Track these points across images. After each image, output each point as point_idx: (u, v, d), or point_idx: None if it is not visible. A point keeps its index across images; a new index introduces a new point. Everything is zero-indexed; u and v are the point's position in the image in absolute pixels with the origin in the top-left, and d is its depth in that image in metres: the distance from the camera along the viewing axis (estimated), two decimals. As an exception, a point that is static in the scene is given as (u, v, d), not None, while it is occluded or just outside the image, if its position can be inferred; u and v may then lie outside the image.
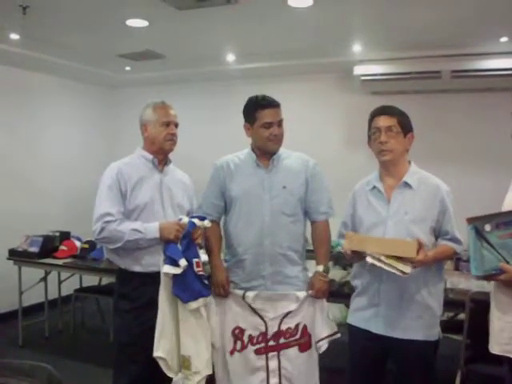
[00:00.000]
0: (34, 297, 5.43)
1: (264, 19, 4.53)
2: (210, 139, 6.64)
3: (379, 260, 2.38)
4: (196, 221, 2.83)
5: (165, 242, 2.80)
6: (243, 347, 2.92)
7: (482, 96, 5.61)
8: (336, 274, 4.07)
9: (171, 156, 3.12)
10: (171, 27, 4.78)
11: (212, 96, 6.85)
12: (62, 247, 5.17)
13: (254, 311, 2.89)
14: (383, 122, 2.59)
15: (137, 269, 2.90)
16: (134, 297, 2.90)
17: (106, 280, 5.48)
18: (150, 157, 3.01)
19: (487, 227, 2.14)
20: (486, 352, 2.26)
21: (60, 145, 6.76)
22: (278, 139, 2.92)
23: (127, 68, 6.56)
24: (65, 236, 5.33)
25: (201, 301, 2.77)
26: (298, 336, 2.91)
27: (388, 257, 2.37)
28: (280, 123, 2.91)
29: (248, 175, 2.96)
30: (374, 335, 2.60)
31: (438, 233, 2.60)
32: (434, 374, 2.62)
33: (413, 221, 2.53)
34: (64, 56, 5.83)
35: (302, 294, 2.88)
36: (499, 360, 2.24)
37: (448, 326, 3.65)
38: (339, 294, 3.67)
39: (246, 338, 2.91)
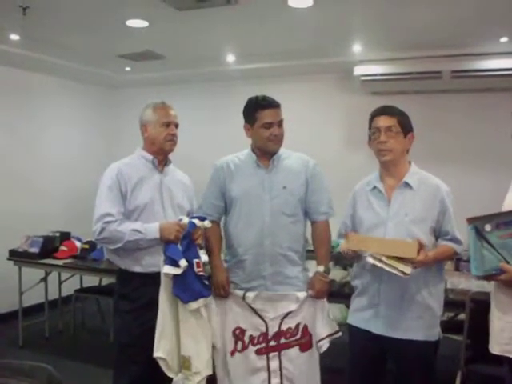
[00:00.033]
0: (34, 297, 5.42)
1: (264, 20, 4.53)
2: (210, 140, 6.64)
3: (380, 260, 2.39)
4: (196, 221, 2.82)
5: (165, 242, 2.80)
6: (244, 347, 2.92)
7: (482, 96, 5.61)
8: (336, 274, 4.07)
9: (171, 156, 3.12)
10: (171, 28, 4.78)
11: (212, 96, 6.85)
12: (63, 248, 5.17)
13: (255, 311, 2.89)
14: (383, 121, 2.59)
15: (137, 269, 2.90)
16: (135, 297, 2.90)
17: (107, 280, 5.47)
18: (150, 157, 3.01)
19: (487, 227, 2.14)
20: (487, 352, 2.26)
21: (60, 145, 6.76)
22: (278, 139, 2.92)
23: (127, 68, 6.56)
24: (65, 236, 5.32)
25: (201, 301, 2.77)
26: (298, 336, 2.91)
27: (389, 257, 2.37)
28: (280, 123, 2.91)
29: (248, 175, 2.96)
30: (373, 335, 2.60)
31: (438, 233, 2.60)
32: (434, 374, 2.62)
33: (413, 221, 2.53)
34: (64, 56, 5.84)
35: (302, 295, 2.88)
36: (499, 360, 2.24)
37: (448, 327, 3.65)
38: (339, 294, 3.67)
39: (246, 339, 2.91)
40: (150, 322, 2.75)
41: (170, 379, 2.79)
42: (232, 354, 2.93)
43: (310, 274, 3.00)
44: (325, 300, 2.96)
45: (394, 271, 2.36)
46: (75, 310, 5.76)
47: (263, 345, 2.90)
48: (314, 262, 3.02)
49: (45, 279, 5.38)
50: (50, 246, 5.16)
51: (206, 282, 2.84)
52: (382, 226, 2.58)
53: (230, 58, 5.93)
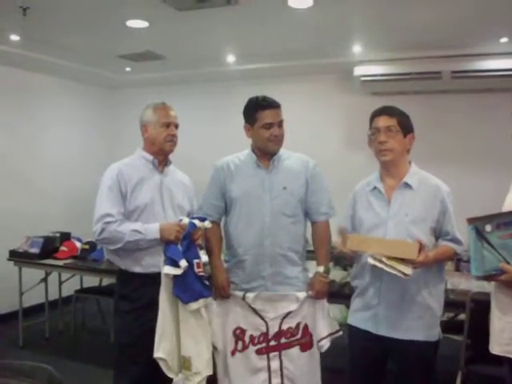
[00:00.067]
0: (34, 298, 5.42)
1: (264, 20, 4.53)
2: (210, 140, 6.64)
3: (380, 261, 2.38)
4: (196, 222, 2.82)
5: (165, 242, 2.80)
6: (244, 347, 2.92)
7: (482, 96, 5.61)
8: (336, 274, 4.07)
9: (171, 157, 3.12)
10: (171, 28, 4.79)
11: (212, 97, 6.86)
12: (63, 248, 5.17)
13: (255, 312, 2.89)
14: (383, 122, 2.59)
15: (137, 270, 2.90)
16: (135, 298, 2.90)
17: (107, 281, 5.47)
18: (151, 158, 3.01)
19: (488, 227, 2.14)
20: (487, 352, 2.26)
21: (60, 145, 6.76)
22: (279, 140, 2.92)
23: (127, 69, 6.57)
24: (65, 237, 5.33)
25: (201, 301, 2.77)
26: (299, 336, 2.91)
27: (389, 258, 2.37)
28: (280, 124, 2.91)
29: (248, 176, 2.96)
30: (374, 336, 2.60)
31: (438, 233, 2.60)
32: (435, 374, 2.62)
33: (413, 221, 2.53)
34: (64, 57, 5.84)
35: (302, 295, 2.89)
36: (499, 360, 2.24)
37: (448, 327, 3.65)
38: (339, 294, 3.67)
39: (247, 339, 2.91)
40: (151, 322, 2.75)
41: (171, 379, 2.79)
42: (232, 353, 2.93)
43: (310, 275, 3.00)
44: (325, 299, 2.96)
45: (395, 272, 2.35)
46: (75, 311, 5.76)
47: (264, 345, 2.90)
48: (314, 263, 3.03)
49: (45, 279, 5.38)
50: (50, 247, 5.16)
51: (207, 283, 2.83)
52: (383, 226, 2.58)
53: (230, 58, 5.93)
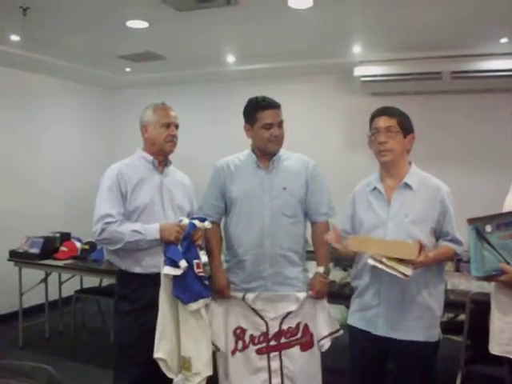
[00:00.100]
0: (34, 298, 5.42)
1: (264, 20, 4.53)
2: (210, 140, 6.64)
3: (380, 262, 2.38)
4: (196, 222, 2.82)
5: (165, 243, 2.80)
6: (245, 347, 2.92)
7: (482, 97, 5.61)
8: (336, 275, 4.07)
9: (171, 157, 3.12)
10: (171, 28, 4.79)
11: (212, 97, 6.86)
12: (63, 248, 5.17)
13: (255, 312, 2.89)
14: (383, 122, 2.59)
15: (137, 270, 2.90)
16: (135, 298, 2.90)
17: (107, 281, 5.46)
18: (151, 158, 3.01)
19: (488, 228, 2.14)
20: (487, 353, 2.26)
21: (60, 146, 6.76)
22: (279, 140, 2.93)
23: (127, 69, 6.57)
24: (65, 237, 5.32)
25: (201, 302, 2.77)
26: (299, 335, 2.91)
27: (389, 259, 2.37)
28: (280, 124, 2.92)
29: (248, 176, 2.96)
30: (374, 336, 2.60)
31: (438, 234, 2.60)
32: (434, 374, 2.62)
33: (413, 222, 2.53)
34: (64, 57, 5.84)
35: (301, 295, 2.89)
36: (499, 361, 2.24)
37: (448, 327, 3.65)
38: (339, 295, 3.67)
39: (247, 338, 2.92)
40: (150, 322, 2.75)
41: (171, 380, 2.79)
42: (233, 353, 2.93)
43: (310, 275, 3.00)
44: (325, 299, 2.96)
45: (395, 273, 2.35)
46: (75, 311, 5.76)
47: (264, 344, 2.91)
48: (314, 263, 3.03)
49: (45, 280, 5.38)
50: (50, 247, 5.16)
51: (206, 283, 2.84)
52: (382, 226, 2.58)
53: (230, 58, 5.93)
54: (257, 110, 2.89)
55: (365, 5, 4.14)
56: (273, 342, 2.90)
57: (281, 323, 2.89)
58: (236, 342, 2.93)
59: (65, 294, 5.74)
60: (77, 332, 5.71)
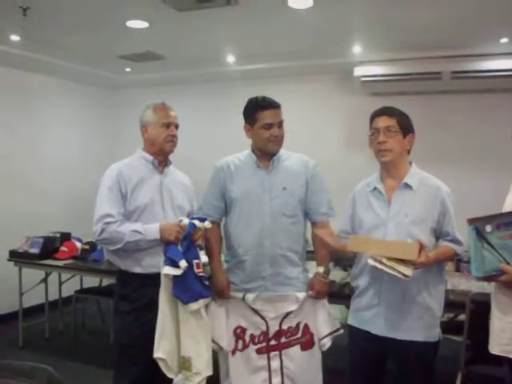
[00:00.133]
0: (34, 298, 5.42)
1: (264, 20, 4.53)
2: (210, 140, 6.64)
3: (380, 262, 2.38)
4: (196, 222, 2.82)
5: (165, 243, 2.80)
6: (245, 346, 2.93)
7: (482, 97, 5.61)
8: (336, 274, 4.07)
9: (171, 157, 3.12)
10: (171, 28, 4.78)
11: (212, 97, 6.86)
12: (63, 248, 5.17)
13: (255, 311, 2.89)
14: (382, 122, 2.59)
15: (137, 270, 2.90)
16: (135, 298, 2.90)
17: (107, 281, 5.46)
18: (151, 158, 3.01)
19: (488, 228, 2.14)
20: (487, 353, 2.26)
21: (60, 146, 6.76)
22: (279, 140, 2.93)
23: (127, 69, 6.57)
24: (65, 237, 5.32)
25: (201, 302, 2.77)
26: (299, 335, 2.91)
27: (389, 259, 2.37)
28: (280, 124, 2.92)
29: (248, 176, 2.96)
30: (374, 336, 2.60)
31: (438, 234, 2.60)
32: (434, 375, 2.62)
33: (413, 222, 2.53)
34: (64, 57, 5.84)
35: (301, 295, 2.89)
36: (499, 361, 2.24)
37: (448, 327, 3.65)
38: (340, 295, 3.67)
39: (247, 338, 2.92)
40: (150, 322, 2.75)
41: (171, 380, 2.79)
42: (233, 353, 2.93)
43: (310, 275, 3.00)
44: (325, 299, 2.97)
45: (395, 273, 2.35)
46: (75, 311, 5.76)
47: (264, 344, 2.91)
48: (314, 263, 3.03)
49: (45, 280, 5.38)
50: (50, 247, 5.16)
51: (206, 283, 2.84)
52: (383, 226, 2.58)
53: (230, 58, 5.93)
54: (257, 110, 2.89)
55: (365, 5, 4.14)
56: (273, 342, 2.90)
57: (281, 323, 2.89)
58: (236, 342, 2.93)
59: (65, 294, 5.74)
60: (77, 332, 5.71)
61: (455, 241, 2.57)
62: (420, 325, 2.54)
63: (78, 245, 5.21)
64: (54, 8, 4.20)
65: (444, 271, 2.69)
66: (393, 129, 2.56)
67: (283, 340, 2.90)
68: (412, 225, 2.53)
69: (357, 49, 5.39)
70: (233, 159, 3.05)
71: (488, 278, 2.20)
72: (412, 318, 2.53)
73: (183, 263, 2.68)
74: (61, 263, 5.00)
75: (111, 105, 7.53)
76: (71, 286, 5.67)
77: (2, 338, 5.38)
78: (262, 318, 2.89)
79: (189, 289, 2.72)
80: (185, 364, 2.78)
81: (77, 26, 4.71)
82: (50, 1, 4.05)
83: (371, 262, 2.40)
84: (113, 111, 7.51)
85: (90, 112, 7.29)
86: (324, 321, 2.93)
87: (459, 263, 4.21)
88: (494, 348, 2.23)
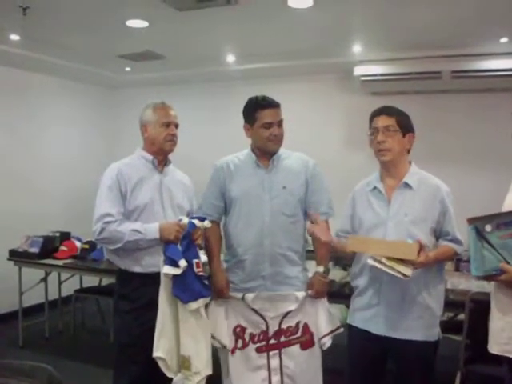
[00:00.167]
0: (34, 297, 5.42)
1: (264, 20, 4.53)
2: (210, 140, 6.64)
3: (380, 262, 2.38)
4: (196, 221, 2.82)
5: (165, 242, 2.80)
6: (244, 345, 2.93)
7: (482, 96, 5.61)
8: (336, 274, 4.07)
9: (171, 157, 3.12)
10: (171, 28, 4.78)
11: (212, 97, 6.86)
12: (63, 248, 5.17)
13: (255, 311, 2.89)
14: (381, 121, 2.59)
15: (137, 269, 2.90)
16: (134, 297, 2.90)
17: (107, 280, 5.47)
18: (150, 157, 3.01)
19: (488, 227, 2.14)
20: (486, 352, 2.26)
21: (60, 145, 6.76)
22: (278, 139, 2.93)
23: (127, 68, 6.56)
24: (65, 236, 5.33)
25: (201, 301, 2.77)
26: (299, 334, 2.91)
27: (389, 259, 2.36)
28: (280, 123, 2.92)
29: (248, 176, 2.96)
30: (373, 335, 2.60)
31: (438, 233, 2.60)
32: (434, 374, 2.62)
33: (413, 222, 2.53)
34: (64, 57, 5.84)
35: (301, 294, 2.89)
36: (499, 360, 2.24)
37: (448, 327, 3.65)
38: (339, 294, 3.67)
39: (247, 337, 2.92)
40: (150, 322, 2.75)
41: (170, 379, 2.79)
42: (232, 352, 2.93)
43: (310, 274, 3.00)
44: (325, 298, 2.97)
45: (394, 273, 2.35)
46: (75, 310, 5.76)
47: (263, 343, 2.91)
48: (313, 262, 3.03)
49: (45, 279, 5.38)
50: (49, 246, 5.16)
51: (206, 282, 2.84)
52: (382, 226, 2.58)
53: (230, 58, 5.93)
54: (256, 109, 2.89)
55: (365, 4, 4.14)
56: (272, 341, 2.90)
57: (280, 322, 2.89)
58: (236, 341, 2.93)
59: (64, 293, 5.74)
60: (76, 331, 5.72)
61: (455, 240, 2.57)
62: (420, 324, 2.54)
63: (78, 244, 5.22)
64: (54, 7, 4.20)
65: (444, 271, 2.69)
66: (392, 128, 2.57)
67: (283, 339, 2.90)
68: (412, 224, 2.53)
69: (357, 48, 5.39)
70: (232, 158, 3.05)
71: (488, 278, 2.20)
72: (412, 318, 2.53)
73: (183, 262, 2.68)
74: (60, 263, 5.00)
75: (111, 104, 7.53)
76: (71, 285, 5.67)
77: (1, 338, 5.39)
78: (262, 317, 2.89)
79: (188, 288, 2.72)
80: (184, 363, 2.78)
81: (77, 25, 4.71)
82: (49, 0, 4.05)
83: (371, 261, 2.40)
84: (113, 110, 7.50)
85: (90, 111, 7.29)
86: (324, 320, 2.93)
87: (459, 262, 4.21)
88: (494, 347, 2.23)
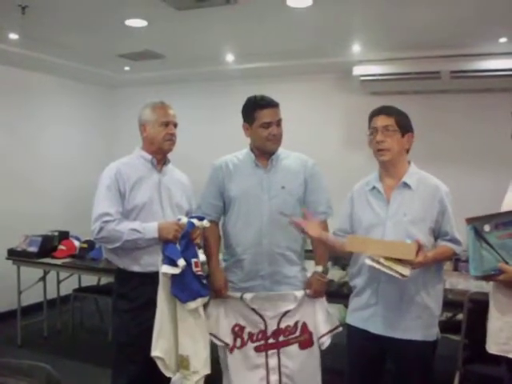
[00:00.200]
0: (32, 296, 5.43)
1: (263, 19, 4.53)
2: (209, 139, 6.64)
3: (378, 262, 2.37)
4: (195, 221, 2.82)
5: (163, 242, 2.80)
6: (243, 344, 2.93)
7: (481, 96, 5.61)
8: (335, 274, 4.08)
9: (170, 156, 3.11)
10: (170, 27, 4.78)
11: (211, 96, 6.85)
12: (61, 247, 5.17)
13: (253, 310, 2.90)
14: (380, 121, 2.59)
15: (135, 269, 2.90)
16: (133, 297, 2.90)
17: (105, 280, 5.48)
18: (149, 157, 3.01)
19: (486, 227, 2.14)
20: (484, 352, 2.26)
21: (59, 144, 6.76)
22: (277, 139, 2.92)
23: (126, 68, 6.56)
24: (64, 236, 5.32)
25: (199, 301, 2.77)
26: (297, 333, 2.92)
27: (387, 259, 2.36)
28: (279, 123, 2.92)
29: (247, 175, 2.96)
30: (372, 335, 2.60)
31: (437, 233, 2.59)
32: (433, 374, 2.62)
33: (412, 221, 2.53)
34: (63, 56, 5.83)
35: (299, 294, 2.90)
36: (497, 360, 2.24)
37: (446, 327, 3.65)
38: (338, 294, 3.67)
39: (245, 336, 2.93)
40: (149, 321, 2.75)
41: (169, 379, 2.79)
42: (231, 350, 2.94)
43: (309, 274, 3.01)
44: (323, 297, 2.97)
45: (392, 273, 2.34)
46: (74, 310, 5.76)
47: (262, 342, 2.91)
48: (312, 262, 3.03)
49: (43, 278, 5.38)
50: (48, 246, 5.16)
51: (205, 282, 2.84)
52: (381, 225, 2.57)
53: (229, 57, 5.93)
54: (255, 108, 2.89)
55: (364, 4, 4.14)
56: (271, 340, 2.91)
57: (279, 321, 2.90)
58: (234, 340, 2.93)
59: (63, 292, 5.74)
60: (75, 330, 5.71)
61: (454, 240, 2.57)
62: (418, 324, 2.53)
63: (77, 243, 5.22)
64: (53, 6, 4.20)
65: (442, 270, 2.69)
66: (391, 128, 2.56)
67: (281, 338, 2.90)
68: (410, 224, 2.52)
69: (356, 48, 5.39)
70: (231, 158, 3.05)
71: (486, 278, 2.20)
72: (410, 318, 2.53)
73: (181, 262, 2.68)
74: (59, 262, 5.00)
75: (110, 103, 7.53)
76: (69, 284, 5.67)
77: (0, 337, 5.38)
78: (261, 316, 2.89)
79: (187, 287, 2.72)
80: (183, 363, 2.78)
81: (76, 24, 4.70)
82: (48, -1, 4.05)
83: (369, 261, 2.40)
84: (112, 110, 7.50)
85: (89, 111, 7.28)
86: (323, 319, 2.94)
87: (457, 262, 4.22)
88: (492, 347, 2.24)
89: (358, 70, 5.71)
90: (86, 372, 4.49)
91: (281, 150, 2.99)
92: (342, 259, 3.96)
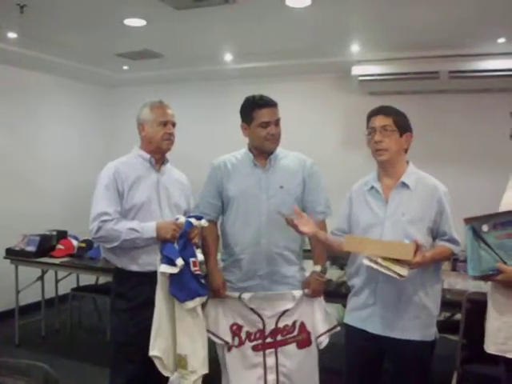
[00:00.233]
0: (30, 296, 5.43)
1: (262, 19, 4.53)
2: (208, 139, 6.64)
3: (376, 262, 2.37)
4: (193, 220, 2.83)
5: (162, 241, 2.79)
6: (241, 343, 2.93)
7: (479, 97, 5.61)
8: (333, 273, 4.08)
9: (168, 155, 3.11)
10: (169, 27, 4.78)
11: (209, 95, 6.85)
12: (59, 246, 5.16)
13: (252, 310, 2.90)
14: (379, 121, 2.59)
15: (134, 268, 2.90)
16: (131, 296, 2.90)
17: (103, 279, 5.48)
18: (148, 156, 3.01)
19: (484, 227, 2.14)
20: (482, 352, 2.26)
21: (58, 144, 6.75)
22: (275, 139, 2.92)
23: (125, 67, 6.55)
24: (62, 235, 5.32)
25: (197, 300, 2.77)
26: (295, 333, 2.92)
27: (385, 259, 2.36)
28: (277, 122, 2.92)
29: (245, 175, 2.96)
30: (370, 335, 2.60)
31: (435, 233, 2.59)
32: (431, 374, 2.62)
33: (410, 221, 2.53)
34: (62, 55, 5.83)
35: (298, 293, 2.90)
36: (495, 360, 2.24)
37: (445, 327, 3.65)
38: (336, 293, 3.67)
39: (243, 335, 2.93)
40: (147, 320, 2.75)
41: (167, 378, 2.79)
42: (229, 349, 2.94)
43: (307, 274, 3.01)
44: (321, 297, 2.97)
45: (390, 273, 2.34)
46: (72, 309, 5.75)
47: (260, 341, 2.92)
48: (310, 262, 3.03)
49: (41, 278, 5.37)
50: (46, 245, 5.15)
51: (203, 281, 2.84)
52: (379, 225, 2.57)
53: (228, 57, 5.92)
54: (254, 108, 2.89)
55: (363, 4, 4.14)
56: (269, 339, 2.91)
57: (277, 321, 2.90)
58: (232, 339, 2.94)
59: (61, 291, 5.73)
60: (73, 330, 5.71)
61: (452, 240, 2.57)
62: (416, 324, 2.53)
63: (75, 243, 5.21)
64: (52, 5, 4.19)
65: (441, 270, 2.69)
66: (389, 128, 2.56)
67: (279, 338, 2.91)
68: (409, 224, 2.52)
69: (354, 48, 5.39)
70: (230, 158, 3.05)
71: (484, 278, 2.20)
72: (408, 318, 2.53)
73: (180, 261, 2.68)
74: (57, 261, 5.00)
75: (109, 103, 7.52)
76: (68, 283, 5.67)
77: (-2, 336, 5.39)
78: (259, 315, 2.90)
79: (185, 287, 2.72)
80: (181, 362, 2.78)
81: (74, 23, 4.70)
82: (47, -2, 4.05)
83: (366, 262, 2.40)
84: (110, 109, 7.49)
85: (88, 110, 7.27)
86: (321, 319, 2.94)
87: (456, 262, 4.22)
88: (490, 347, 2.24)
89: (356, 70, 5.71)
90: (84, 371, 4.48)
91: (279, 150, 2.99)
92: (340, 259, 3.96)
